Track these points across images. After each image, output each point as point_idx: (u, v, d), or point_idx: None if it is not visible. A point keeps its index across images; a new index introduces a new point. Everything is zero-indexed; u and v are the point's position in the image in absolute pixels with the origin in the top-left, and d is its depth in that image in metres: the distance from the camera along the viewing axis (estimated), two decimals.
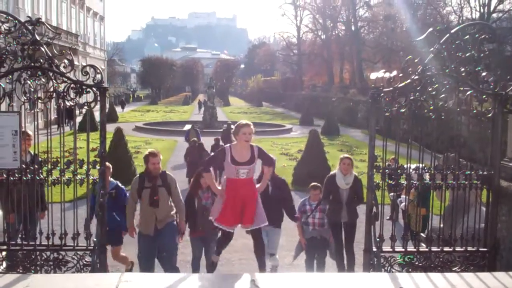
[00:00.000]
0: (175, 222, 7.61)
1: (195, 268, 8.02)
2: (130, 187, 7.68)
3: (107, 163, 7.24)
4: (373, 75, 35.75)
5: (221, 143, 16.98)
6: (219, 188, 6.74)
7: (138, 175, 7.83)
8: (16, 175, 6.49)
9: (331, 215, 8.03)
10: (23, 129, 6.89)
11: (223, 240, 7.07)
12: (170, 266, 7.54)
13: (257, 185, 6.74)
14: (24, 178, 6.48)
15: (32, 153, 7.59)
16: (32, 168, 6.54)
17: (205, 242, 7.95)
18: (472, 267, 6.67)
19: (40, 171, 6.62)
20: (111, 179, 8.03)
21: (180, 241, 7.80)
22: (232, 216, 6.50)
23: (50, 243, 6.58)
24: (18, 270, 6.46)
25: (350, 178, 7.96)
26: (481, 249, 6.77)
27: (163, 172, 7.61)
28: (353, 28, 61.75)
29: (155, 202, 7.36)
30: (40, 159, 7.23)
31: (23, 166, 6.49)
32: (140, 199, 7.52)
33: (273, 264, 8.01)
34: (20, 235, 6.79)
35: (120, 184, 8.23)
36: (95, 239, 6.56)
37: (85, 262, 6.60)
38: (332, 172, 8.24)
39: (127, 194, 7.93)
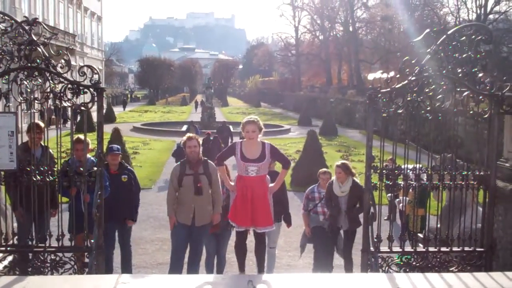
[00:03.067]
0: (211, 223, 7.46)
1: (209, 268, 7.90)
2: (171, 174, 7.48)
3: (87, 140, 6.98)
4: (371, 76, 35.85)
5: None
6: (232, 184, 6.73)
7: (179, 162, 7.61)
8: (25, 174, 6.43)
9: (331, 221, 7.95)
10: (35, 121, 6.87)
11: (238, 244, 6.87)
12: (193, 268, 7.45)
13: (270, 185, 6.70)
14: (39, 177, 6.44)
15: (44, 145, 7.40)
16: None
17: (219, 239, 7.82)
18: (469, 267, 6.68)
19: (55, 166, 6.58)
20: (89, 156, 7.43)
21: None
22: (243, 215, 6.45)
23: (47, 244, 6.57)
24: (15, 272, 6.45)
25: (347, 186, 7.79)
26: (478, 249, 6.78)
27: (205, 160, 7.44)
28: (351, 29, 61.83)
29: (199, 190, 7.19)
30: (51, 151, 7.19)
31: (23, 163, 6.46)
32: (180, 187, 7.31)
33: (269, 258, 7.89)
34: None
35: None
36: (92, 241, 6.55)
37: (82, 264, 6.58)
38: (332, 179, 8.12)
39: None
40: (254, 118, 6.70)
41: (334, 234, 7.99)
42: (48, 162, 6.57)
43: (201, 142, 7.70)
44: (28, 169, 6.41)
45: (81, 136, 7.10)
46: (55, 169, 6.54)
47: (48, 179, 6.45)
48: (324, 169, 8.56)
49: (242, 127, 6.62)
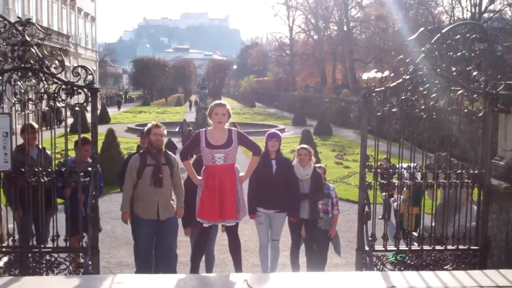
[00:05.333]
0: (177, 217, 7.20)
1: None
2: (128, 166, 7.09)
3: (88, 138, 7.02)
4: (365, 75, 35.84)
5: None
6: (199, 178, 6.33)
7: (138, 154, 7.24)
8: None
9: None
10: (29, 123, 6.86)
11: (199, 243, 6.55)
12: (169, 266, 7.17)
13: (241, 174, 6.43)
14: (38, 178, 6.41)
15: (40, 147, 7.23)
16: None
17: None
18: (464, 265, 6.70)
19: (50, 167, 6.55)
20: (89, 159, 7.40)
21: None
22: (210, 209, 6.11)
23: (42, 245, 6.55)
24: (10, 273, 6.43)
25: (309, 169, 7.63)
26: (472, 247, 6.81)
27: (165, 151, 7.16)
28: (345, 28, 61.90)
29: (159, 181, 6.86)
30: (48, 152, 7.13)
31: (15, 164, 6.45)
32: (139, 179, 6.93)
33: (272, 252, 7.65)
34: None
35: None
36: (86, 241, 6.54)
37: (77, 264, 6.57)
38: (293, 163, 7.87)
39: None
40: (223, 101, 6.45)
41: (295, 224, 7.66)
42: (42, 163, 6.55)
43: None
44: (23, 169, 6.40)
45: (88, 136, 7.07)
46: (49, 169, 6.51)
47: (42, 180, 6.43)
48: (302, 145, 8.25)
49: (209, 111, 6.28)
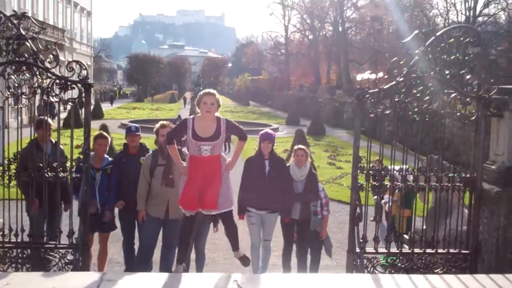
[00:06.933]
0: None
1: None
2: (142, 165, 7.13)
3: (105, 134, 7.37)
4: (359, 76, 35.86)
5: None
6: (185, 165, 6.18)
7: (151, 152, 7.29)
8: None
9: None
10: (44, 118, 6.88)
11: (183, 230, 6.35)
12: (166, 265, 7.15)
13: (228, 159, 6.20)
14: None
15: (53, 141, 7.25)
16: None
17: (196, 233, 7.26)
18: (454, 269, 6.71)
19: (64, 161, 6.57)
20: (105, 155, 7.61)
21: None
22: (191, 196, 5.94)
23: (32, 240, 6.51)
24: None
25: (305, 170, 7.61)
26: (463, 251, 6.81)
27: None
28: (340, 29, 62.03)
29: (170, 181, 6.85)
30: (62, 147, 7.12)
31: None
32: (152, 178, 7.00)
33: (264, 252, 7.60)
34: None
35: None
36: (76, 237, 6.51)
37: (67, 260, 6.54)
38: (287, 164, 7.82)
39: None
40: (212, 90, 6.23)
41: (286, 225, 7.63)
42: (46, 158, 6.52)
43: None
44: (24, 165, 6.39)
45: (104, 133, 7.22)
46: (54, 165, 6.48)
47: (47, 175, 6.41)
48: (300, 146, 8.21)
49: (198, 101, 6.03)
